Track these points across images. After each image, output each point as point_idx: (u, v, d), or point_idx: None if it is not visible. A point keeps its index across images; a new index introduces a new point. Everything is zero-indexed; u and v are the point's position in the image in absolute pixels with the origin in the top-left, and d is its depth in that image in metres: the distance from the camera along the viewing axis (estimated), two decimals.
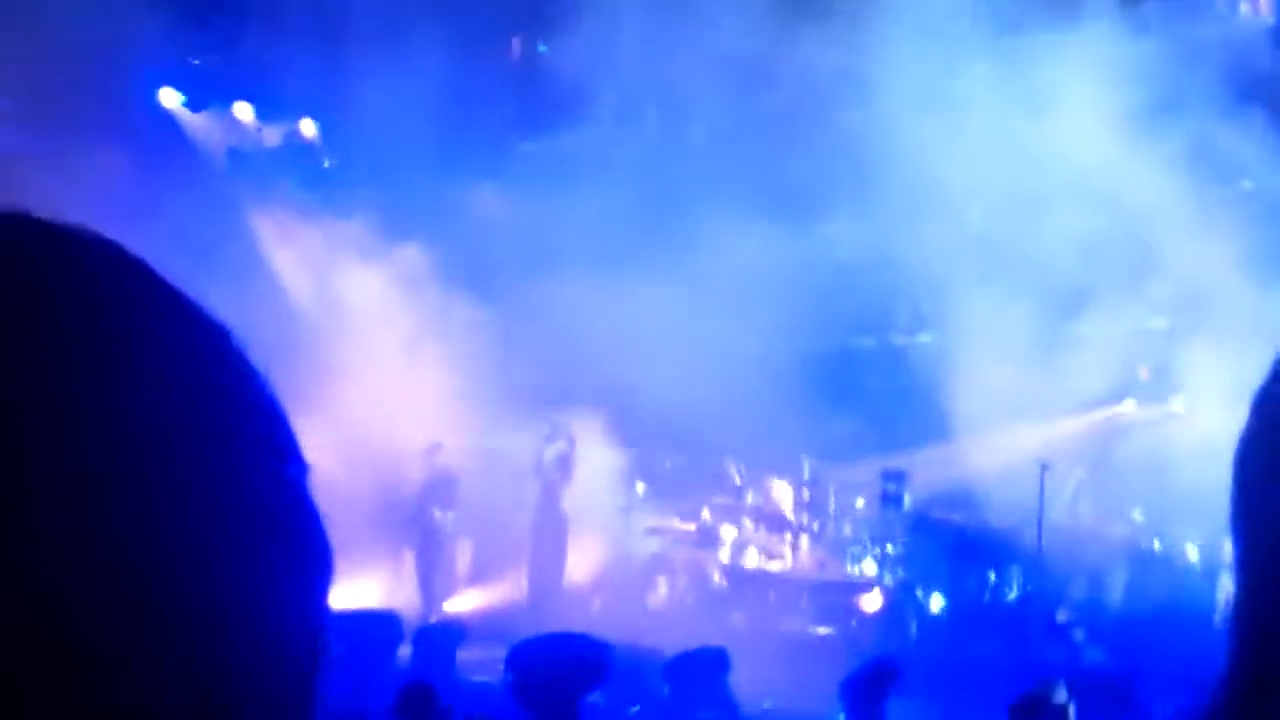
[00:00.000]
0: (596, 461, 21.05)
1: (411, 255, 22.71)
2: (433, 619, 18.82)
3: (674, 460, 22.46)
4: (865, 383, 21.73)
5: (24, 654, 0.74)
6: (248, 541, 0.83)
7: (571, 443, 20.10)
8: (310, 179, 24.69)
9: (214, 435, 0.84)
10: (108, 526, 0.77)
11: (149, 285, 0.88)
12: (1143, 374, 21.22)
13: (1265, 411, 1.24)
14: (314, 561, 0.90)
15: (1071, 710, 10.40)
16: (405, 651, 15.41)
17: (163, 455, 0.80)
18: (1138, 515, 18.80)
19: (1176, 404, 20.71)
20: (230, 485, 0.83)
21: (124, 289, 0.86)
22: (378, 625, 15.09)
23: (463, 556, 22.43)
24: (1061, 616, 17.31)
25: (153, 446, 0.80)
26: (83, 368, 0.81)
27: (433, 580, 20.29)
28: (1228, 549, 1.26)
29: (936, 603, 18.89)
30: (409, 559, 20.84)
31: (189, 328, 0.88)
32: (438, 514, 20.31)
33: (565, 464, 19.97)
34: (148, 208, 20.79)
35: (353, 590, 20.16)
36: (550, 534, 19.56)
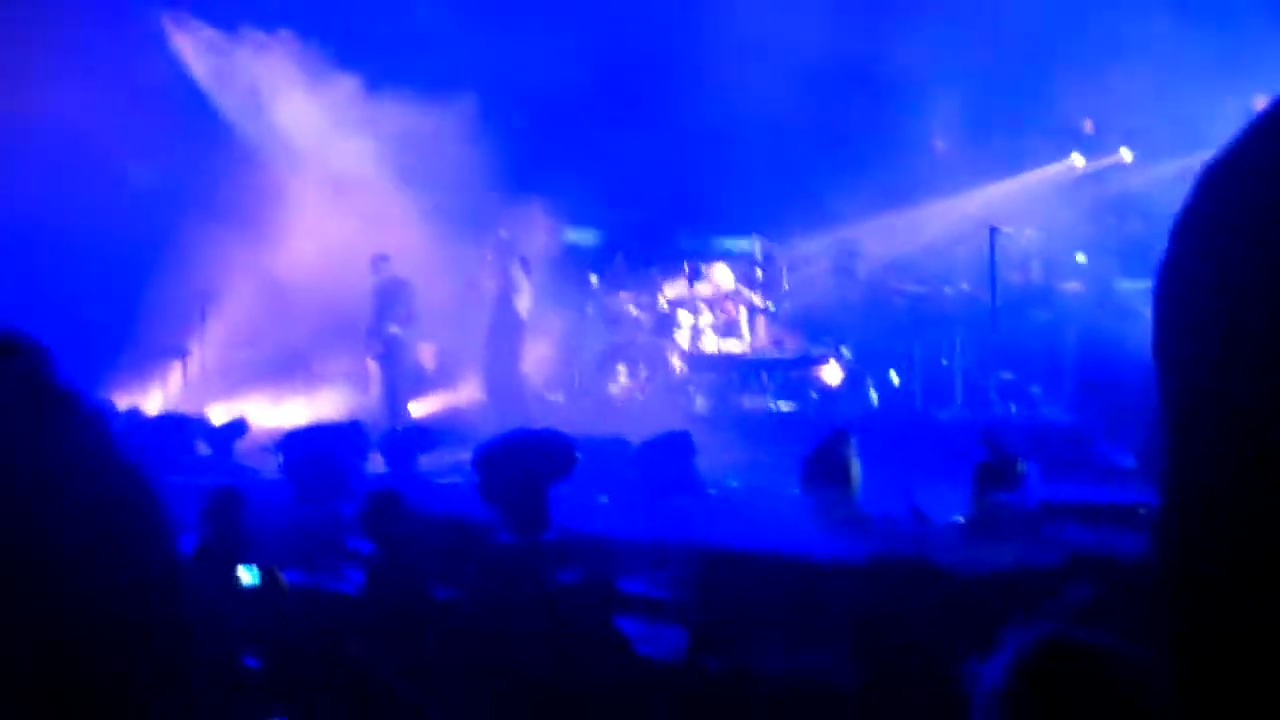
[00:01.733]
0: (548, 256, 21.07)
1: (347, 67, 22.49)
2: (398, 426, 18.93)
3: (625, 248, 22.50)
4: (814, 156, 21.69)
5: None
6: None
7: (515, 249, 19.90)
8: None
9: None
10: None
11: None
12: (1087, 126, 21.21)
13: (1184, 238, 1.21)
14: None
15: (1029, 467, 10.58)
16: (376, 459, 15.55)
17: None
18: (1081, 258, 18.84)
19: (1124, 153, 20.75)
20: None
21: None
22: (343, 436, 15.18)
23: (425, 362, 22.53)
24: (1006, 376, 17.44)
25: None
26: None
27: (396, 388, 20.37)
28: None
29: (894, 372, 19.06)
30: (372, 369, 20.92)
31: None
32: (393, 324, 20.32)
33: (511, 265, 19.78)
34: (71, 40, 20.52)
35: (320, 403, 20.27)
36: (505, 335, 19.50)
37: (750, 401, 19.65)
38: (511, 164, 21.34)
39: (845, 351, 19.24)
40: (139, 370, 22.12)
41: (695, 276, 20.96)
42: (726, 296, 20.87)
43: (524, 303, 19.30)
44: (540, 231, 21.32)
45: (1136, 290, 17.87)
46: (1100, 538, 9.81)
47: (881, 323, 19.17)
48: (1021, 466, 10.39)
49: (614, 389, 20.68)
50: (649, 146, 21.84)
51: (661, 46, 21.79)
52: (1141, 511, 10.62)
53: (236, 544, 9.88)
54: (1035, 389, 17.68)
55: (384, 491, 9.79)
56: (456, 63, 21.43)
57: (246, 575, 9.31)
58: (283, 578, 9.50)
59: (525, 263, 19.61)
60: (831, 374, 19.30)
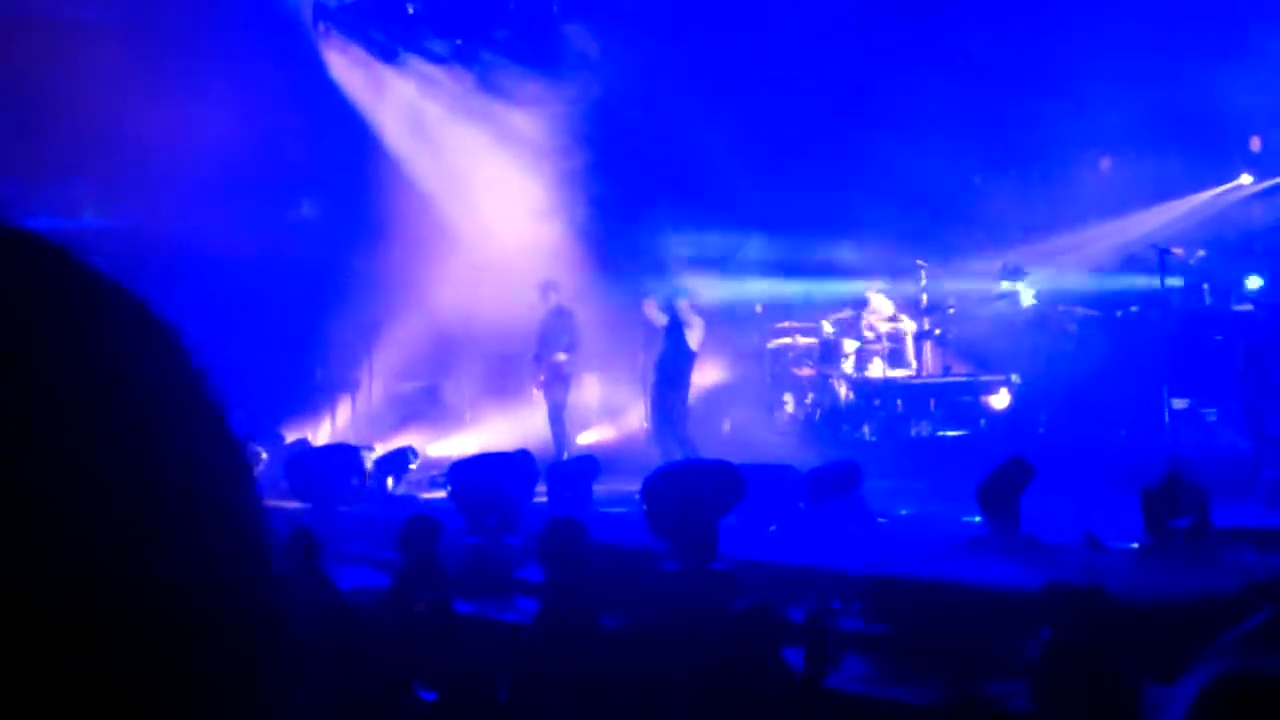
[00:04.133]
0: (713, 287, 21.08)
1: (508, 98, 22.69)
2: (565, 455, 18.97)
3: (790, 275, 22.44)
4: (978, 178, 21.57)
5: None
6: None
7: (684, 282, 19.59)
8: (397, 26, 24.58)
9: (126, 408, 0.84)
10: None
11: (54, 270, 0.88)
12: (1254, 144, 20.83)
13: None
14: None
15: (1206, 494, 10.37)
16: (542, 489, 15.61)
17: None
18: (1254, 282, 18.45)
19: None
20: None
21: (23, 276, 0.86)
22: (511, 465, 15.26)
23: (591, 391, 22.61)
24: (1180, 404, 17.00)
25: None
26: None
27: (562, 417, 20.41)
28: None
29: (1065, 396, 18.79)
30: (539, 398, 20.98)
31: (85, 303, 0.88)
32: (559, 352, 20.34)
33: (680, 299, 19.39)
34: (237, 73, 20.90)
35: (487, 433, 20.42)
36: (674, 364, 19.18)
37: (918, 428, 19.51)
38: (675, 192, 21.44)
39: (1014, 377, 19.03)
40: (309, 403, 22.45)
41: (860, 303, 20.83)
42: (892, 322, 20.72)
43: (695, 335, 19.04)
44: (704, 256, 21.39)
45: None
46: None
47: (1050, 347, 18.91)
48: (1199, 493, 10.21)
49: (780, 417, 20.63)
50: (814, 172, 21.81)
51: (820, 69, 21.74)
52: None
53: (435, 575, 9.96)
54: (1210, 414, 17.34)
55: (565, 520, 9.80)
56: (618, 91, 21.57)
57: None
58: (454, 609, 9.57)
59: (692, 295, 19.42)
60: (1000, 399, 19.11)
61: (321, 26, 23.87)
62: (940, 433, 19.31)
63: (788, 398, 20.81)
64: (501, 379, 22.22)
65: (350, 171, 22.48)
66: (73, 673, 0.75)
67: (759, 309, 21.74)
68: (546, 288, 20.47)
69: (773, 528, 13.20)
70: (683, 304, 18.76)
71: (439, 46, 23.98)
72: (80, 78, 19.86)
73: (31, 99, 19.53)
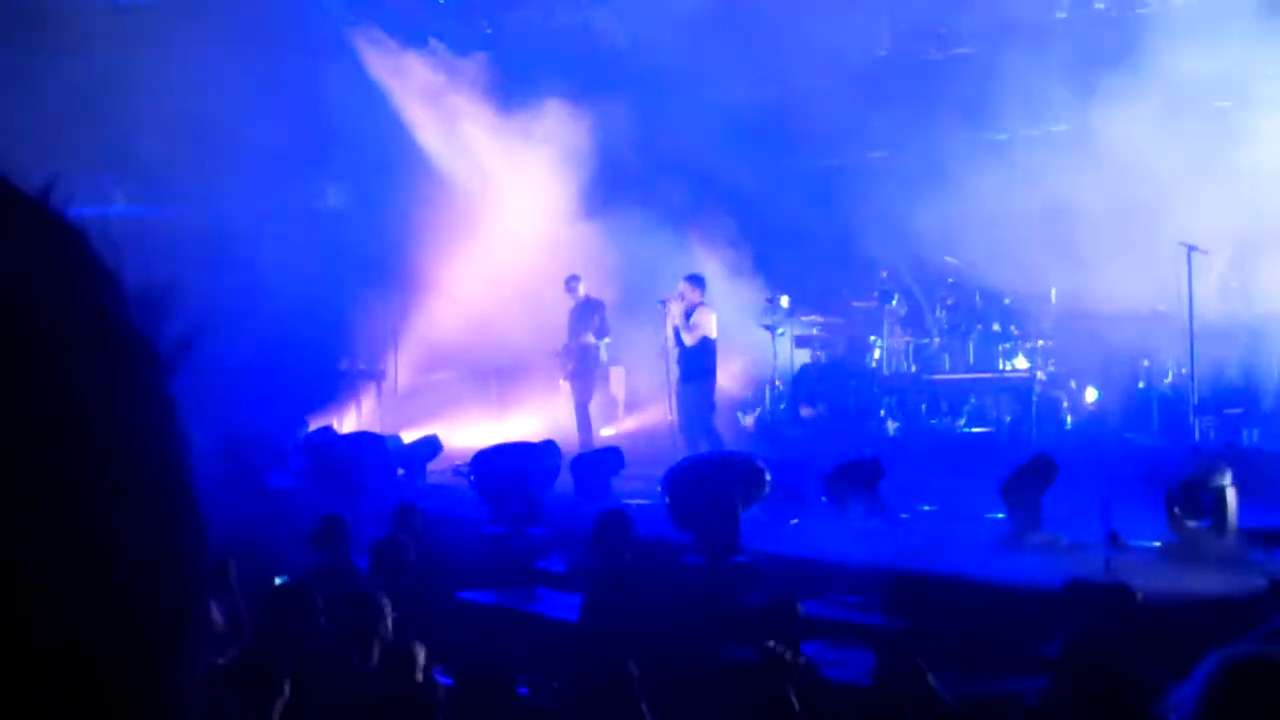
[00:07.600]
0: (737, 281, 21.07)
1: (535, 88, 22.70)
2: (589, 446, 18.93)
3: (816, 274, 22.40)
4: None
5: None
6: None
7: (702, 292, 19.35)
8: (427, 14, 24.58)
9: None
10: None
11: None
12: None
13: None
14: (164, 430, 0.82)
15: (1232, 492, 10.36)
16: (566, 479, 15.61)
17: None
18: None
19: None
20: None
21: None
22: (534, 456, 15.27)
23: (616, 384, 22.60)
24: (1208, 420, 16.88)
25: None
26: None
27: (588, 407, 20.40)
28: None
29: (1090, 394, 18.74)
30: (565, 389, 20.97)
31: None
32: (588, 333, 20.30)
33: (692, 318, 19.13)
34: (267, 62, 20.91)
35: (513, 424, 20.43)
36: (696, 358, 19.07)
37: (942, 424, 19.46)
38: (698, 180, 21.44)
39: (1040, 374, 18.97)
40: (335, 392, 22.47)
41: (885, 298, 20.76)
42: (918, 318, 20.66)
43: (710, 324, 18.90)
44: (729, 250, 21.39)
45: None
46: None
47: (1076, 343, 18.84)
48: (1222, 488, 10.20)
49: (805, 411, 20.57)
50: (839, 165, 21.82)
51: (847, 62, 21.69)
52: None
53: (411, 557, 10.01)
54: (1236, 413, 17.26)
55: (616, 513, 9.81)
56: (643, 80, 21.56)
57: None
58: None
59: (701, 284, 19.28)
60: (1025, 396, 19.05)
61: (352, 15, 23.88)
62: (965, 429, 19.28)
63: (812, 390, 20.74)
64: (527, 370, 22.22)
65: (377, 161, 22.47)
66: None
67: (785, 302, 21.69)
68: (570, 281, 20.47)
69: (794, 521, 13.20)
70: (692, 295, 18.73)
71: (467, 35, 24.03)
72: (112, 64, 19.91)
73: (64, 84, 19.55)
